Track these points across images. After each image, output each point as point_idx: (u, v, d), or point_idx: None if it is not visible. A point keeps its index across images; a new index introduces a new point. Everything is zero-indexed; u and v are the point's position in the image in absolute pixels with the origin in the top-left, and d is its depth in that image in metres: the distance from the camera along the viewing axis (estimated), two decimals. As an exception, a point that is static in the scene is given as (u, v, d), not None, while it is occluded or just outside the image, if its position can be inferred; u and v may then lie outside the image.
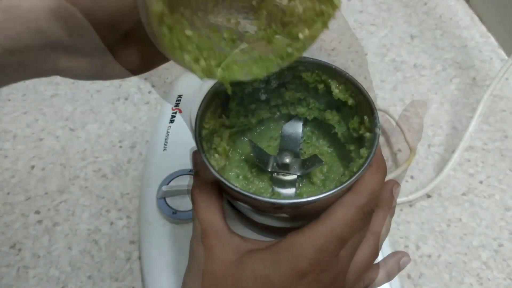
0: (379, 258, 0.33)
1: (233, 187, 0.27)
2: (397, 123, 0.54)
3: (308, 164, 0.32)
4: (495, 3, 0.64)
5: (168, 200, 0.46)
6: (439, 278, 0.46)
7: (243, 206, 0.30)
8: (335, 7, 0.27)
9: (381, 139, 0.55)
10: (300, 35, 0.28)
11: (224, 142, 0.33)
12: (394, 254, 0.34)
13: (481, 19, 0.67)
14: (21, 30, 0.23)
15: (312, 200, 0.27)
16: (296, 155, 0.33)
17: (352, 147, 0.33)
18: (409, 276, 0.46)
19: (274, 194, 0.32)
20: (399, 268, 0.34)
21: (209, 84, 0.31)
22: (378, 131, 0.29)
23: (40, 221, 0.49)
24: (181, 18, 0.26)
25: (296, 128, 0.36)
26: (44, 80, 0.60)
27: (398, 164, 0.53)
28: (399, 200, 0.49)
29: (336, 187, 0.27)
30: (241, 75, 0.27)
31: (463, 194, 0.51)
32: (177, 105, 0.54)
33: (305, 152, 0.35)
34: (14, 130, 0.56)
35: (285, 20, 0.28)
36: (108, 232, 0.49)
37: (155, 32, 0.24)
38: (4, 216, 0.50)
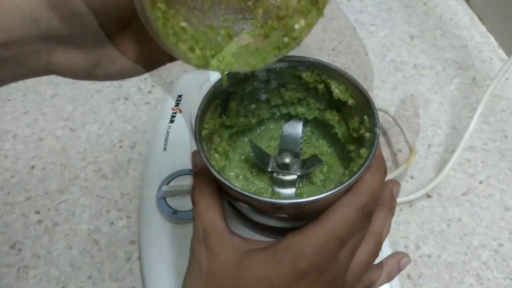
0: (379, 258, 0.33)
1: (233, 187, 0.27)
2: (396, 123, 0.54)
3: (308, 164, 0.32)
4: (495, 3, 0.64)
5: (168, 200, 0.46)
6: (439, 278, 0.46)
7: (243, 206, 0.30)
8: None
9: (381, 139, 0.55)
10: (296, 26, 0.27)
11: (224, 142, 0.33)
12: (394, 254, 0.34)
13: (481, 19, 0.67)
14: (16, 20, 0.23)
15: (312, 200, 0.27)
16: (296, 155, 0.33)
17: (352, 147, 0.33)
18: (409, 276, 0.46)
19: (274, 194, 0.32)
20: (399, 269, 0.34)
21: (209, 84, 0.31)
22: (378, 131, 0.29)
23: (40, 221, 0.49)
24: (177, 14, 0.25)
25: (296, 128, 0.35)
26: (44, 80, 0.60)
27: (398, 164, 0.53)
28: (399, 200, 0.49)
29: (336, 187, 0.27)
30: (237, 66, 0.27)
31: (463, 194, 0.51)
32: (177, 105, 0.53)
33: (305, 152, 0.35)
34: (14, 130, 0.56)
35: (280, 14, 0.28)
36: (108, 232, 0.49)
37: (149, 15, 0.23)
38: (4, 216, 0.50)
